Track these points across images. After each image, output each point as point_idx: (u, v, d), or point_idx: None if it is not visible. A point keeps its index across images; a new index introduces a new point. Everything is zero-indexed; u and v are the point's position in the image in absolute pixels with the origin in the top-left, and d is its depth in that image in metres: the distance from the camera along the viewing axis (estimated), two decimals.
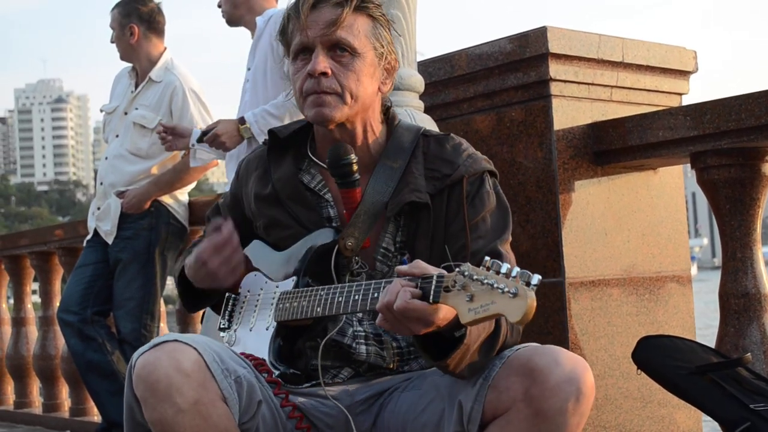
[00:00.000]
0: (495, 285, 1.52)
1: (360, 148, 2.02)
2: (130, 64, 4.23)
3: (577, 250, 2.99)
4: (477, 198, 1.98)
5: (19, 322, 6.15)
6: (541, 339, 2.94)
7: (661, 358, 2.47)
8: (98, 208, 4.09)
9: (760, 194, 2.81)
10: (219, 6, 3.70)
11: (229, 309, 2.07)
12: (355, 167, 1.95)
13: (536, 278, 1.52)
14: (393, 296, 1.65)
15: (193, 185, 4.23)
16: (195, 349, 1.75)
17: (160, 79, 4.05)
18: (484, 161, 2.04)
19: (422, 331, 1.67)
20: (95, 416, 5.20)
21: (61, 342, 5.43)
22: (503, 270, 1.54)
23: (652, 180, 3.23)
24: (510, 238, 2.01)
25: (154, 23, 4.15)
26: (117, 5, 4.16)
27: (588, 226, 3.03)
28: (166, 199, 4.03)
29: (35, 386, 6.14)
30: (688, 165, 3.02)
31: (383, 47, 2.00)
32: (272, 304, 1.97)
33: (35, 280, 6.25)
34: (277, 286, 2.00)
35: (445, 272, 1.64)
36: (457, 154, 2.02)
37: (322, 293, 1.87)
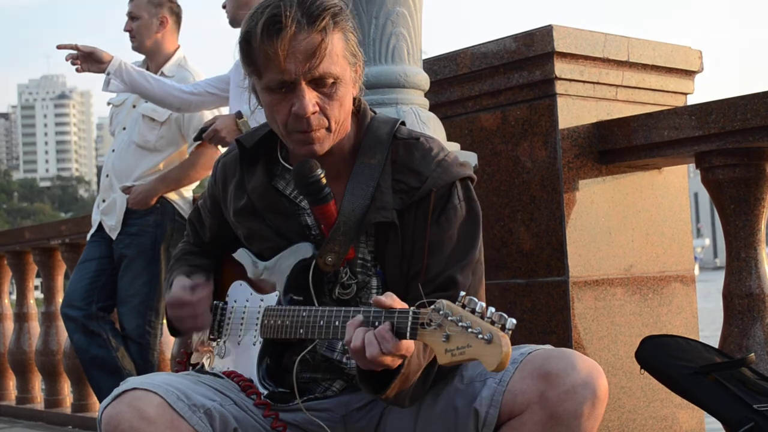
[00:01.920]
0: (470, 328, 1.48)
1: (333, 151, 1.88)
2: (139, 59, 4.19)
3: (581, 249, 2.99)
4: (443, 216, 1.86)
5: (21, 317, 6.16)
6: (544, 338, 2.96)
7: (665, 358, 2.47)
8: (103, 201, 4.08)
9: (764, 194, 2.81)
10: (223, 7, 3.70)
11: (218, 318, 2.04)
12: (324, 181, 1.84)
13: (511, 322, 1.48)
14: (373, 338, 1.60)
15: (198, 182, 4.23)
16: (156, 393, 1.74)
17: (173, 74, 4.02)
18: (456, 167, 1.89)
19: (396, 363, 1.62)
20: (97, 412, 5.19)
21: (63, 338, 5.44)
22: (478, 309, 1.50)
23: (656, 180, 3.24)
24: (476, 256, 1.89)
25: (179, 18, 4.14)
26: None
27: (592, 226, 3.03)
28: (172, 196, 4.02)
29: (37, 382, 6.14)
30: (691, 165, 3.02)
31: (356, 56, 1.86)
32: (258, 318, 1.93)
33: (38, 275, 6.26)
34: (261, 300, 1.96)
35: (415, 309, 1.60)
36: (425, 163, 1.87)
37: (304, 314, 1.81)
